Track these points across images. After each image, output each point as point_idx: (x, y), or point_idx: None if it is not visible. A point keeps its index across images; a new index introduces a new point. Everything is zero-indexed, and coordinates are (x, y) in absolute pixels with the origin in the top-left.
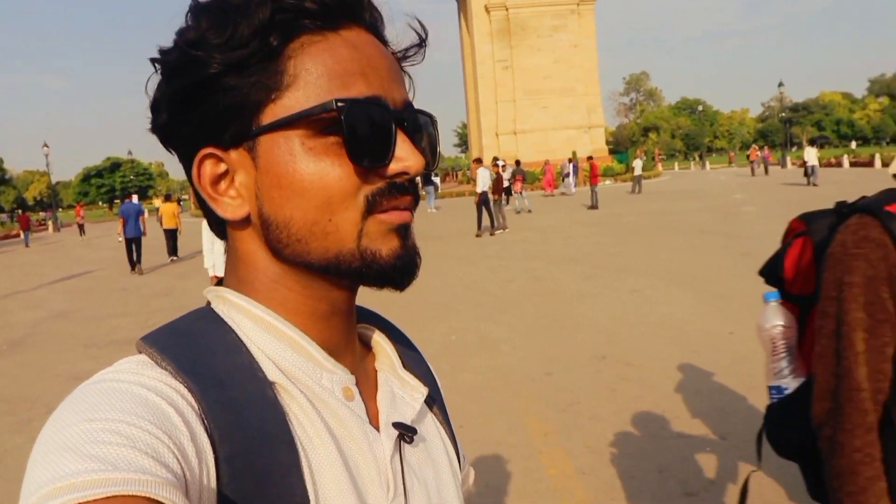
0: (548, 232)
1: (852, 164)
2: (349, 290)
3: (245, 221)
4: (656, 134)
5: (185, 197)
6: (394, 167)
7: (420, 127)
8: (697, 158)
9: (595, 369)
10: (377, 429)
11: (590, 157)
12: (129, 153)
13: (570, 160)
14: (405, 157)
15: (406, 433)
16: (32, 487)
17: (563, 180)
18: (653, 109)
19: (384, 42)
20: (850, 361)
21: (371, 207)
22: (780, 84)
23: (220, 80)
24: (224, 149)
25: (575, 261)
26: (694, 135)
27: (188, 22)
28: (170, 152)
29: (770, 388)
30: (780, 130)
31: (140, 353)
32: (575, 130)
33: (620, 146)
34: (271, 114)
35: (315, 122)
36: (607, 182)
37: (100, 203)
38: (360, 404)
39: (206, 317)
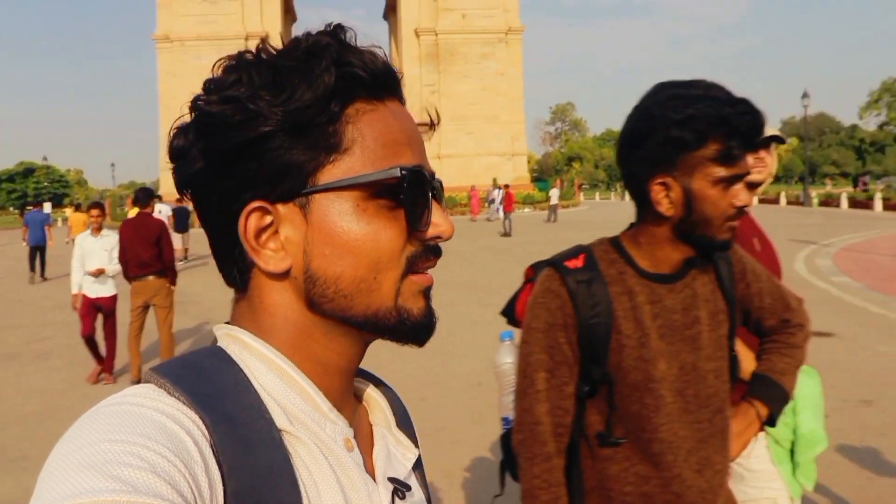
0: (456, 257)
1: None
2: (364, 347)
3: (283, 274)
4: (580, 163)
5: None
6: (431, 231)
7: (440, 192)
8: (619, 189)
9: (469, 395)
10: (374, 480)
11: (506, 186)
12: (45, 159)
13: (496, 186)
14: (440, 222)
15: (400, 489)
16: (48, 499)
17: (488, 206)
18: (577, 139)
19: None
20: (532, 398)
21: (409, 268)
22: None
23: (276, 138)
24: (271, 202)
25: (475, 287)
26: (617, 166)
27: (231, 75)
28: (185, 196)
29: (502, 419)
30: None
31: (148, 382)
32: (498, 157)
33: (545, 174)
34: (329, 174)
35: (371, 185)
36: (526, 210)
37: (10, 209)
38: (359, 455)
39: (216, 355)
